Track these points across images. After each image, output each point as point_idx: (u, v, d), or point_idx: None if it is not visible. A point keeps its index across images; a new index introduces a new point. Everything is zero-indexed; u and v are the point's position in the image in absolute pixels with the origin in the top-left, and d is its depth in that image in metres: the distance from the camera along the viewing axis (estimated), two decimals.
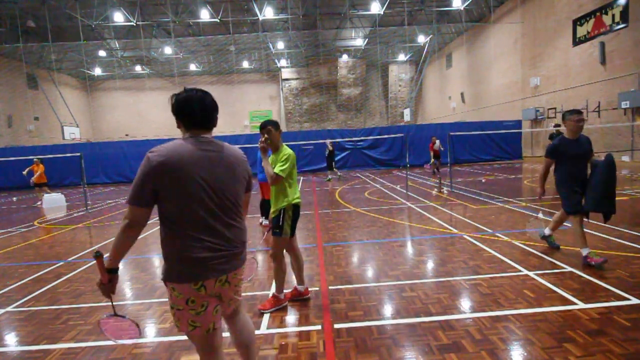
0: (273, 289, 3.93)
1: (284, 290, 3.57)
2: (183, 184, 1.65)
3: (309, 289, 3.76)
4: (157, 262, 5.24)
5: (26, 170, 12.88)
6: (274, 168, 3.34)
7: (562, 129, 13.19)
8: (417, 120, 36.38)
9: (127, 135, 33.27)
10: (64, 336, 3.19)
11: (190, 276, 1.69)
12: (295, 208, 3.47)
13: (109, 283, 1.71)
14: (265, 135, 3.36)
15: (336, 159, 19.78)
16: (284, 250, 3.57)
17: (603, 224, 5.73)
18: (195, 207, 1.68)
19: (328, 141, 15.50)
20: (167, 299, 3.80)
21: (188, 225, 1.67)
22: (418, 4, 23.29)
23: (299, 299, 3.64)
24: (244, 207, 1.96)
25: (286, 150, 3.43)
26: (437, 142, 15.11)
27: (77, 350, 2.95)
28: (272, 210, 3.47)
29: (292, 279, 3.99)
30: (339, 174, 16.23)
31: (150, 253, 5.69)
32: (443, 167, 15.79)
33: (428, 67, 31.92)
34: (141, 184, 1.62)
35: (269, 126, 3.40)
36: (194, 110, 1.77)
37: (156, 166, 1.61)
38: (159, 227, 1.81)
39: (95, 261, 1.71)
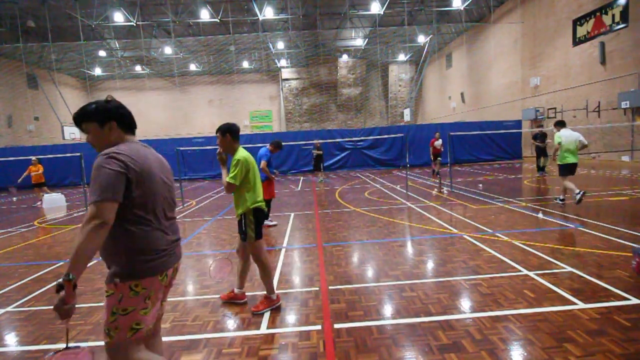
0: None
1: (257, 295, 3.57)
2: (151, 181, 1.76)
3: (312, 289, 3.76)
4: None
5: (21, 178, 12.84)
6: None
7: (545, 129, 13.47)
8: (417, 120, 36.37)
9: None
10: (64, 336, 3.19)
11: (160, 266, 1.78)
12: (257, 212, 3.42)
13: (73, 302, 1.59)
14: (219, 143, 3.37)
15: (336, 159, 19.83)
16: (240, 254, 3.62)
17: (604, 224, 5.74)
18: (159, 202, 1.80)
19: (316, 142, 14.88)
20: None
21: (153, 220, 1.77)
22: (418, 4, 23.28)
23: (233, 302, 3.61)
24: None
25: (237, 155, 3.34)
26: (439, 140, 14.71)
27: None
28: (235, 215, 3.48)
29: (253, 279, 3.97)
30: (321, 178, 15.22)
31: None
32: (443, 167, 15.77)
33: (428, 67, 31.91)
34: (115, 178, 1.61)
35: (217, 132, 3.38)
36: (131, 117, 1.91)
37: (129, 164, 1.67)
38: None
39: (63, 286, 1.55)
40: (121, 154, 1.68)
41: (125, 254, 1.71)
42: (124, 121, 1.85)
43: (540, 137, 12.87)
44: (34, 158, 12.88)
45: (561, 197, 7.38)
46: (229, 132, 3.38)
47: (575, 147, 7.13)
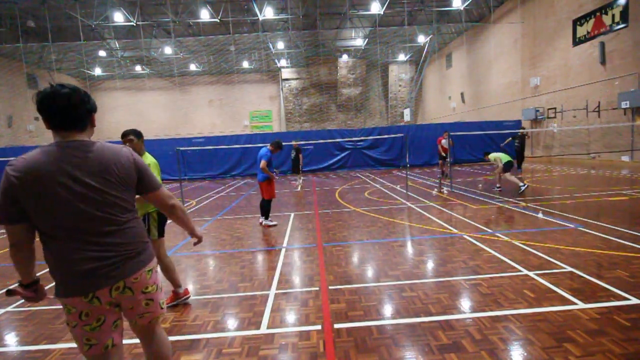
0: (273, 288, 3.95)
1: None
2: (48, 197, 1.51)
3: (312, 289, 3.76)
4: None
5: None
6: None
7: (526, 130, 14.03)
8: (417, 120, 36.35)
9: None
10: (64, 336, 3.19)
11: (79, 289, 1.58)
12: (160, 213, 3.52)
13: (36, 294, 1.73)
14: None
15: (336, 159, 19.82)
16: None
17: (604, 224, 5.74)
18: (68, 218, 1.55)
19: (294, 143, 14.18)
20: (166, 298, 3.82)
21: (65, 238, 1.56)
22: (418, 4, 23.28)
23: (179, 303, 3.66)
24: (164, 205, 1.88)
25: (148, 159, 3.53)
26: (447, 139, 13.99)
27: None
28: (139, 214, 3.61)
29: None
30: (300, 181, 14.16)
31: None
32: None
33: (428, 67, 31.90)
34: (3, 202, 1.51)
35: (130, 135, 3.50)
36: (51, 110, 1.57)
37: (14, 183, 1.48)
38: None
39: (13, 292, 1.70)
40: (13, 168, 1.51)
41: (49, 271, 1.63)
42: (42, 117, 1.59)
43: (520, 138, 14.11)
44: None
45: (498, 185, 9.86)
46: (142, 137, 3.61)
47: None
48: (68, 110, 1.59)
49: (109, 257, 1.63)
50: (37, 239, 1.66)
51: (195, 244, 2.19)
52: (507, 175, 9.35)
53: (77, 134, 1.63)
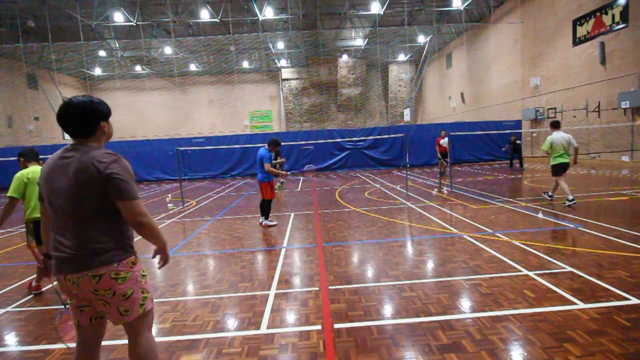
0: (273, 288, 3.95)
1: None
2: (47, 187, 1.87)
3: (312, 289, 3.75)
4: (155, 260, 5.22)
5: None
6: None
7: (515, 131, 15.21)
8: (417, 120, 36.37)
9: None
10: (64, 336, 3.18)
11: (55, 270, 1.91)
12: (36, 223, 4.13)
13: (43, 266, 2.16)
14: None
15: (336, 159, 19.81)
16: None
17: (604, 224, 5.74)
18: (53, 208, 1.88)
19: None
20: (166, 299, 3.83)
21: (54, 224, 1.92)
22: (418, 4, 23.28)
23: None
24: (129, 217, 1.84)
25: (19, 172, 4.07)
26: (446, 138, 13.71)
27: None
28: None
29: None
30: (282, 181, 13.59)
31: (150, 252, 5.68)
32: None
33: (428, 67, 31.90)
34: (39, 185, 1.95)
35: (20, 157, 4.19)
36: (60, 121, 1.89)
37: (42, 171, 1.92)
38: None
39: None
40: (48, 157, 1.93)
41: None
42: (62, 130, 1.98)
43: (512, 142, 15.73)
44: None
45: (550, 193, 7.88)
46: (20, 157, 4.20)
47: (564, 148, 7.32)
48: (71, 122, 1.88)
49: (65, 250, 1.84)
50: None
51: (160, 265, 2.30)
52: (562, 182, 7.31)
53: (84, 140, 1.91)
